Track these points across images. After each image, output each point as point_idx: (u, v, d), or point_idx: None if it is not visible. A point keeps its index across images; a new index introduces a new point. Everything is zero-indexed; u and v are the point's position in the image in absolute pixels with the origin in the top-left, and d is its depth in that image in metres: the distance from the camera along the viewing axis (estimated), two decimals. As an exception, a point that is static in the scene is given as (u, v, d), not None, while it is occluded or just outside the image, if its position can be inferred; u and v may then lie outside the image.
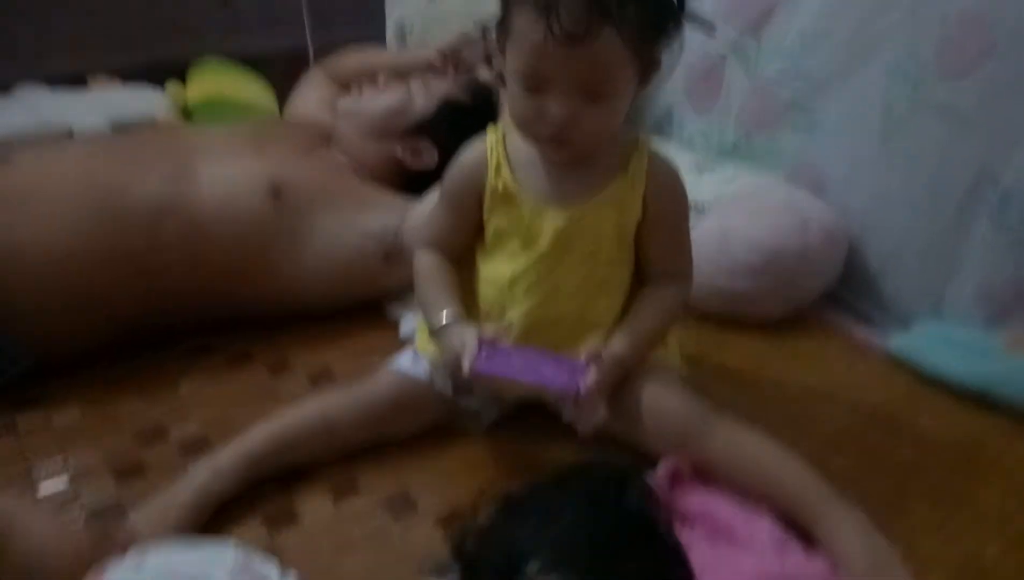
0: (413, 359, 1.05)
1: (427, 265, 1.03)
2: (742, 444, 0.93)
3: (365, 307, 1.31)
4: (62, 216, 1.10)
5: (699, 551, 0.82)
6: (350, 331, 1.27)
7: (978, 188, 1.17)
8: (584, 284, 0.97)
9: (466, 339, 0.90)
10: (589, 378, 0.89)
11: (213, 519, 0.89)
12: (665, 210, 0.97)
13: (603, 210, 0.95)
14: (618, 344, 0.93)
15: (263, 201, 1.21)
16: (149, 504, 0.88)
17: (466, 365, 0.88)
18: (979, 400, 1.12)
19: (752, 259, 1.23)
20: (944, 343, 1.18)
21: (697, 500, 0.90)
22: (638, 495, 0.59)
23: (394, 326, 1.28)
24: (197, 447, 1.01)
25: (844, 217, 1.32)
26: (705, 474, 0.93)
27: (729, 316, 1.30)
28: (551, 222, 0.95)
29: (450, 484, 0.97)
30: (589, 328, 0.98)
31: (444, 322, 0.94)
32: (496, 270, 1.00)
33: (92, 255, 1.10)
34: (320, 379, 1.17)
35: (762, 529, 0.85)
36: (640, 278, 1.02)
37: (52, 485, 0.96)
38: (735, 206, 1.29)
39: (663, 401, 0.96)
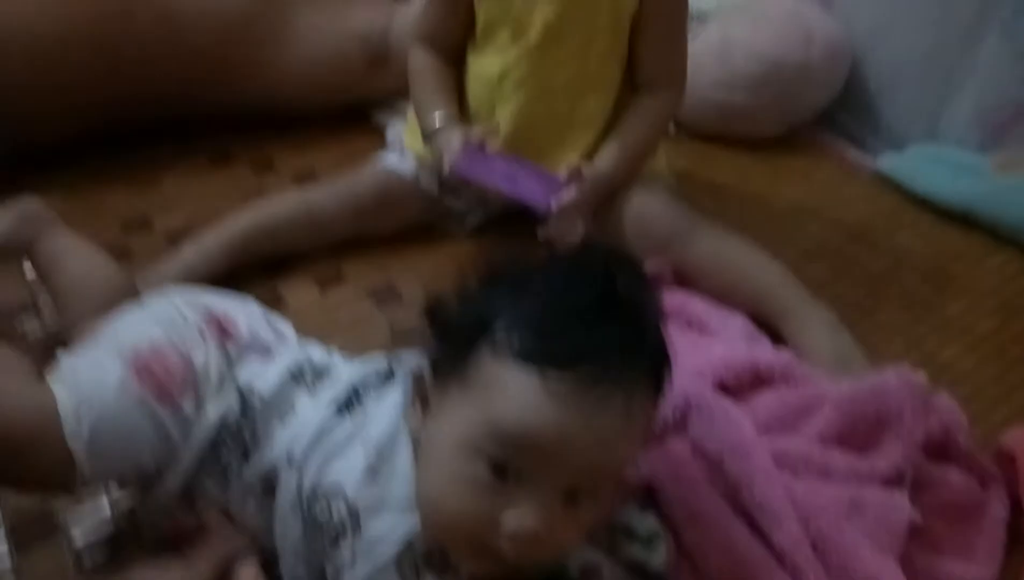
0: (400, 156, 1.04)
1: (421, 64, 1.00)
2: (722, 247, 0.95)
3: (352, 111, 1.28)
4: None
5: (671, 339, 0.86)
6: (336, 134, 1.25)
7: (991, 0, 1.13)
8: (574, 80, 0.95)
9: (452, 140, 0.90)
10: (565, 196, 0.89)
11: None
12: (662, 4, 0.93)
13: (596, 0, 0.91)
14: (604, 161, 0.92)
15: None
16: (140, 276, 0.90)
17: (447, 165, 0.88)
18: (961, 220, 1.13)
19: (752, 70, 1.20)
20: (934, 163, 1.18)
21: (675, 299, 0.92)
22: (628, 275, 0.54)
23: (381, 132, 1.26)
24: (183, 237, 1.01)
25: (849, 32, 1.28)
26: (685, 280, 0.95)
27: (722, 134, 1.28)
28: (541, 12, 0.91)
29: (435, 277, 0.99)
30: (579, 128, 0.96)
31: (436, 125, 0.94)
32: (485, 65, 0.97)
33: (70, 40, 1.06)
34: (304, 180, 1.16)
35: (734, 324, 0.88)
36: (631, 85, 0.99)
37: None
38: (738, 15, 1.24)
39: (647, 207, 0.97)
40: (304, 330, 0.89)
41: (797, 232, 1.11)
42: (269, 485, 0.59)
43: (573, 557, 0.64)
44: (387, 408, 0.58)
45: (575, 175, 0.90)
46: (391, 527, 0.54)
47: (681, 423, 0.72)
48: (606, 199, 0.95)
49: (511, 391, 0.50)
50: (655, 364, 0.54)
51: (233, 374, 0.62)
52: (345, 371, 0.63)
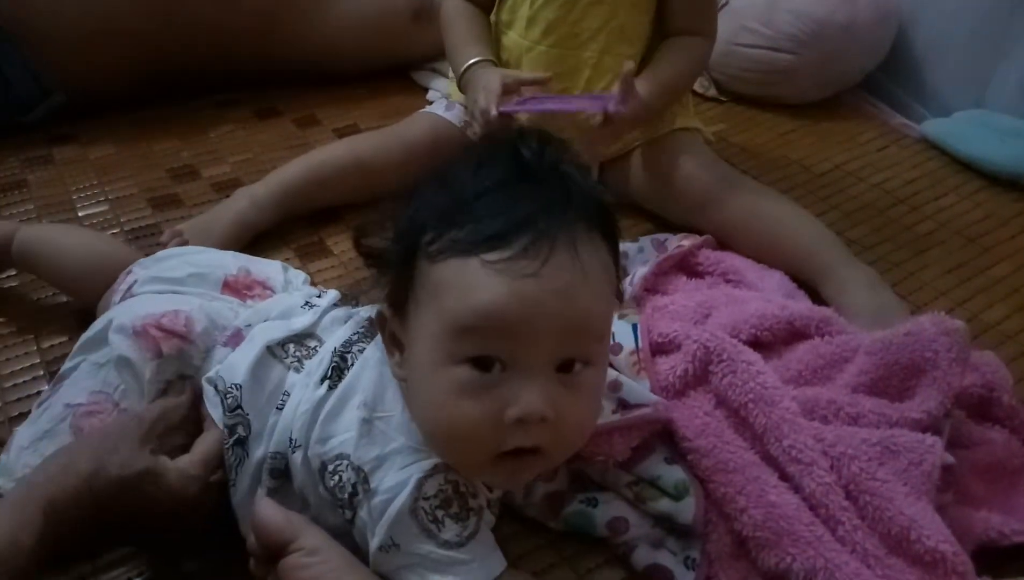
0: (447, 106, 1.05)
1: (454, 9, 1.00)
2: (761, 205, 0.94)
3: (394, 71, 1.29)
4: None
5: (707, 291, 0.86)
6: (378, 93, 1.26)
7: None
8: (604, 28, 0.94)
9: (491, 81, 0.88)
10: (622, 104, 0.86)
11: (250, 247, 0.92)
12: None
13: None
14: (641, 87, 0.91)
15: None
16: (195, 219, 0.92)
17: (492, 107, 0.86)
18: (1008, 184, 1.11)
19: (796, 29, 1.18)
20: (981, 127, 1.15)
21: (713, 256, 0.92)
22: (534, 143, 0.51)
23: (423, 91, 1.27)
24: (230, 185, 1.04)
25: (897, -6, 1.25)
26: (724, 243, 0.94)
27: (764, 96, 1.27)
28: None
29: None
30: (608, 78, 0.96)
31: (469, 62, 0.93)
32: (515, 13, 0.97)
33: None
34: (347, 134, 1.17)
35: (772, 278, 0.88)
36: (661, 36, 0.98)
37: (92, 209, 1.00)
38: (784, -27, 1.22)
39: (686, 165, 0.96)
40: (347, 277, 0.92)
41: (840, 194, 1.10)
42: (280, 472, 0.59)
43: (599, 510, 0.64)
44: (372, 362, 0.57)
45: (627, 83, 0.86)
46: (398, 478, 0.53)
47: (703, 375, 0.72)
48: (635, 127, 0.94)
49: (457, 286, 0.49)
50: (590, 212, 0.51)
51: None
52: (330, 337, 0.62)
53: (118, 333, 0.63)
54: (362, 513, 0.54)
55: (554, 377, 0.50)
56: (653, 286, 0.87)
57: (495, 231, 0.48)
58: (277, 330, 0.62)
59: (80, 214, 0.99)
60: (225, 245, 0.86)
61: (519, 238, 0.48)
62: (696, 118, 1.06)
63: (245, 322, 0.64)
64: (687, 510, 0.63)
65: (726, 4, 1.23)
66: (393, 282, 0.54)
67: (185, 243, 0.86)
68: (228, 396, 0.60)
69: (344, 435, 0.55)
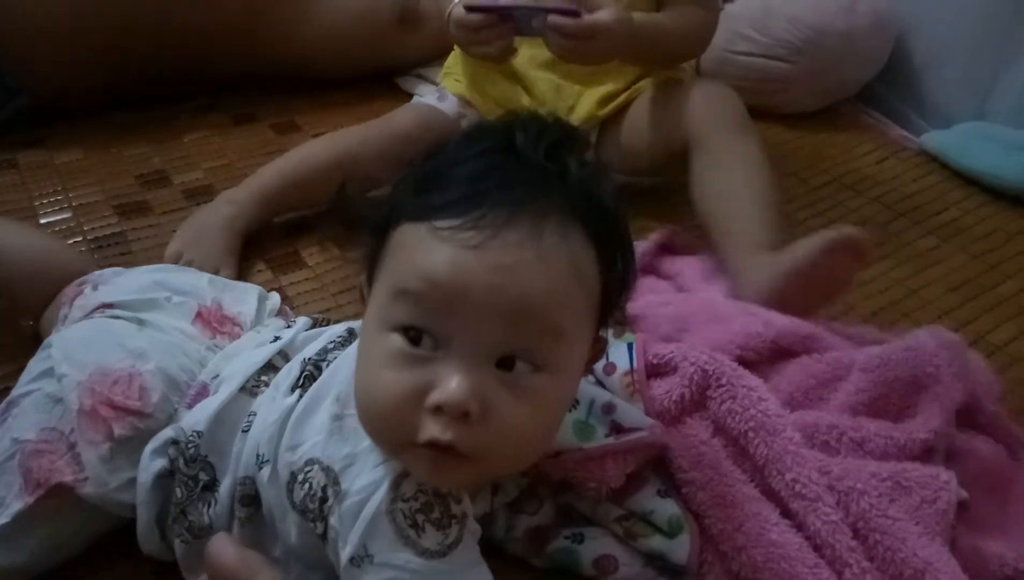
0: (439, 95, 1.01)
1: None
2: (712, 171, 0.88)
3: (378, 77, 1.25)
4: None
5: (681, 303, 0.81)
6: (361, 99, 1.21)
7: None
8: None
9: None
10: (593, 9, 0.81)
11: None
12: None
13: None
14: (640, 16, 0.87)
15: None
16: (181, 227, 0.88)
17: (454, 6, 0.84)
18: (1014, 199, 1.07)
19: (792, 37, 1.14)
20: (984, 140, 1.12)
21: (677, 262, 0.88)
22: (533, 129, 0.47)
23: (408, 97, 1.22)
24: (202, 192, 0.99)
25: (895, 4, 1.22)
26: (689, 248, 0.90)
27: (759, 106, 1.22)
28: None
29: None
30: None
31: None
32: None
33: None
34: (328, 141, 1.13)
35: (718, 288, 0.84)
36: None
37: (54, 216, 0.95)
38: (780, -21, 1.19)
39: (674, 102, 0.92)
40: (322, 291, 0.87)
41: (837, 209, 1.06)
42: (250, 498, 0.54)
43: (586, 547, 0.59)
44: (350, 358, 0.52)
45: None
46: (372, 477, 0.48)
47: (700, 400, 0.67)
48: (610, 43, 0.85)
49: (405, 248, 0.46)
50: (576, 204, 0.46)
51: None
52: (303, 351, 0.58)
53: (71, 391, 0.57)
54: (333, 521, 0.49)
55: (491, 371, 0.45)
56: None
57: (451, 198, 0.46)
58: (247, 367, 0.58)
59: (42, 222, 0.94)
60: (227, 255, 0.84)
61: (474, 209, 0.45)
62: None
63: (212, 373, 0.59)
64: (681, 548, 0.58)
65: (721, 11, 1.19)
66: (368, 247, 0.51)
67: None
68: (189, 446, 0.55)
69: (315, 438, 0.51)
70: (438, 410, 0.43)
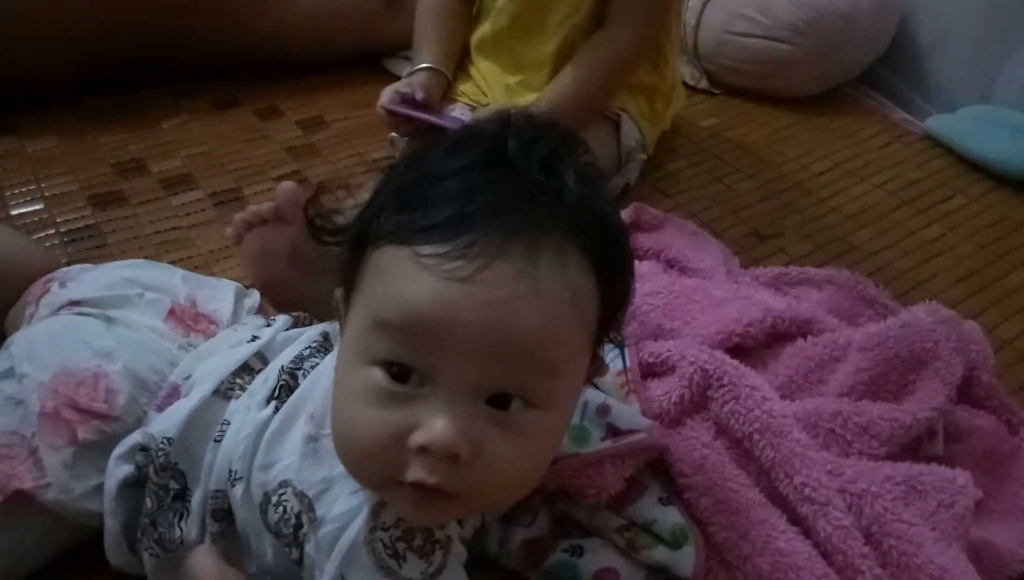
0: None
1: (429, 2, 0.98)
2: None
3: (364, 60, 1.21)
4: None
5: (670, 288, 0.78)
6: (345, 82, 1.17)
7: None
8: (565, 24, 0.92)
9: (400, 84, 0.92)
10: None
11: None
12: None
13: None
14: (540, 103, 0.87)
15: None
16: None
17: (381, 99, 0.90)
18: (1020, 185, 1.04)
19: (794, 17, 1.11)
20: (989, 124, 1.09)
21: (651, 240, 0.85)
22: (526, 133, 0.43)
23: (395, 79, 1.18)
24: (179, 182, 0.95)
25: (900, -18, 1.18)
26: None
27: (760, 89, 1.19)
28: None
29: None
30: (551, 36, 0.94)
31: (416, 68, 0.95)
32: (486, 3, 0.97)
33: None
34: (312, 126, 1.09)
35: (712, 252, 0.83)
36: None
37: (25, 207, 0.91)
38: (782, -41, 1.15)
39: None
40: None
41: (840, 195, 1.03)
42: (222, 513, 0.51)
43: (586, 560, 0.56)
44: (327, 373, 0.49)
45: None
46: (349, 503, 0.45)
47: (701, 402, 0.64)
48: None
49: (386, 275, 0.42)
50: (578, 223, 0.42)
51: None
52: (278, 358, 0.54)
53: (33, 393, 0.53)
54: (309, 548, 0.46)
55: (482, 409, 0.41)
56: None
57: (436, 221, 0.41)
58: (222, 368, 0.54)
59: (12, 213, 0.90)
60: None
61: (462, 234, 0.40)
62: (633, 101, 0.97)
63: (184, 374, 0.56)
64: (686, 560, 0.55)
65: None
66: (345, 262, 0.46)
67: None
68: (159, 454, 0.51)
69: (289, 459, 0.47)
70: (423, 450, 0.40)
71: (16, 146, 1.00)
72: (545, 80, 0.93)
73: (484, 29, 0.97)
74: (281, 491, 0.47)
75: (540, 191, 0.42)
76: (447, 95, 0.97)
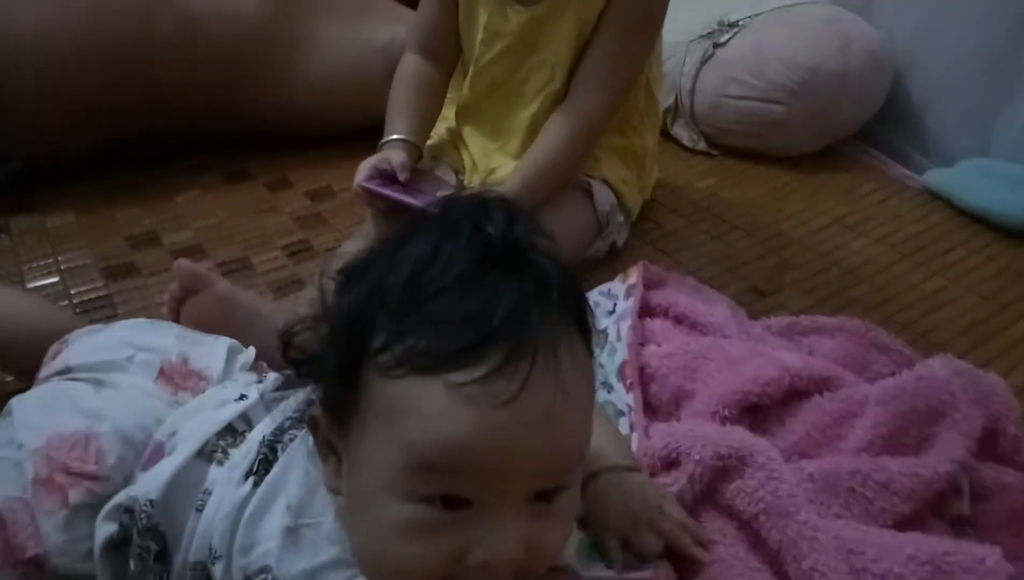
0: None
1: (403, 71, 0.98)
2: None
3: (370, 131, 1.24)
4: (53, 9, 1.03)
5: (688, 347, 0.77)
6: (353, 153, 1.19)
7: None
8: (542, 92, 0.93)
9: (374, 159, 0.90)
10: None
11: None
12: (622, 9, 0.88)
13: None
14: (508, 183, 0.88)
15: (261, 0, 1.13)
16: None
17: (356, 178, 0.89)
18: (1022, 236, 1.04)
19: (787, 79, 1.13)
20: (987, 177, 1.10)
21: (661, 298, 0.85)
22: (498, 217, 0.42)
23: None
24: (190, 252, 0.98)
25: (890, 41, 1.21)
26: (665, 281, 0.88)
27: (757, 149, 1.21)
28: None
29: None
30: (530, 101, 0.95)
31: (387, 139, 0.94)
32: (465, 68, 0.98)
33: (84, 52, 1.04)
34: (321, 196, 1.12)
35: (720, 307, 0.83)
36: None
37: (42, 281, 0.94)
38: (772, 22, 1.18)
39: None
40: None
41: (840, 250, 1.03)
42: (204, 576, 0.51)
43: None
44: (299, 458, 0.49)
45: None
46: None
47: (708, 493, 0.62)
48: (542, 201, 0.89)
49: (418, 412, 0.40)
50: (569, 305, 0.43)
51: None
52: (259, 427, 0.55)
53: (28, 460, 0.54)
54: None
55: (527, 511, 0.41)
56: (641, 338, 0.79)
57: (462, 344, 0.39)
58: (206, 428, 0.55)
59: (28, 286, 0.93)
60: None
61: (491, 353, 0.39)
62: (607, 165, 0.98)
63: (169, 431, 0.57)
64: None
65: (712, 56, 1.19)
66: (332, 388, 0.44)
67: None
68: (142, 516, 0.52)
69: (268, 544, 0.47)
70: (486, 566, 0.40)
71: (36, 222, 1.04)
72: (519, 147, 0.94)
73: (466, 94, 0.98)
74: (263, 575, 0.47)
75: (536, 286, 0.42)
76: (417, 166, 0.96)
